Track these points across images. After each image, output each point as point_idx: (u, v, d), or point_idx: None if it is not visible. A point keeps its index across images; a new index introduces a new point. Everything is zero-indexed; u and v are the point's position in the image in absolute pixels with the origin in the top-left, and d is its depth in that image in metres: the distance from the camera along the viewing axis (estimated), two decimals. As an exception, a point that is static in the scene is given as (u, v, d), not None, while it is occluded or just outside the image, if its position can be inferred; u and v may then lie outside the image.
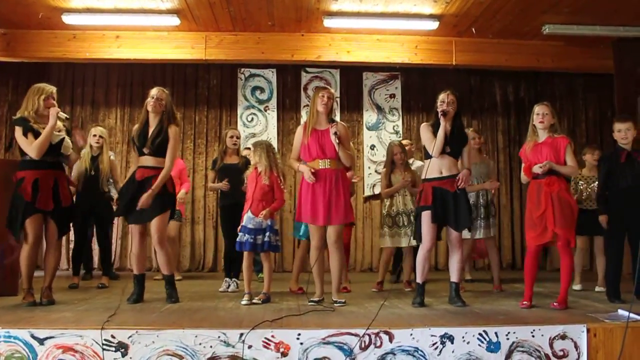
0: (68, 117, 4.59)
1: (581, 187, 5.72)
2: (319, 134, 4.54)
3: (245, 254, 4.74)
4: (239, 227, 4.76)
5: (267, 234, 4.69)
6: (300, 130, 4.68)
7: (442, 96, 4.55)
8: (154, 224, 4.60)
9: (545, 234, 4.32)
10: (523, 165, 4.51)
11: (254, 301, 4.57)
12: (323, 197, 4.46)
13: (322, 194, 4.47)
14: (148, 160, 4.63)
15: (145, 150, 4.62)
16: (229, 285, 5.57)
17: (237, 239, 4.72)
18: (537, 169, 4.33)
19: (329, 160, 4.51)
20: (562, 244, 4.31)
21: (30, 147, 4.35)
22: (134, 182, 4.61)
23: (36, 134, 4.37)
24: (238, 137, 5.89)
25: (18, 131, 4.39)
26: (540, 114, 4.46)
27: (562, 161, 4.36)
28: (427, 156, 4.58)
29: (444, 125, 4.45)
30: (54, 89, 4.57)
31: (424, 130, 4.62)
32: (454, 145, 4.51)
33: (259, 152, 4.83)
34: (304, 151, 4.60)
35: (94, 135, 5.96)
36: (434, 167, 4.49)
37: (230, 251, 5.59)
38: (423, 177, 4.58)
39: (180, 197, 6.26)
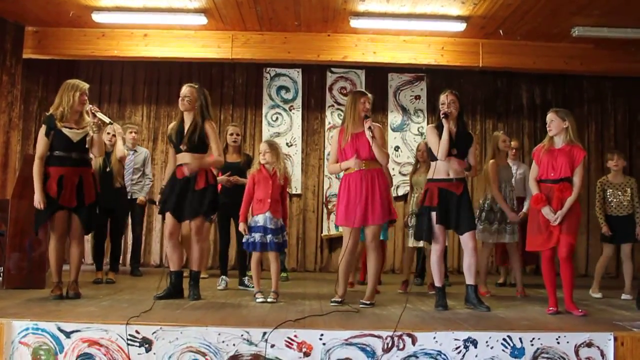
0: (111, 122, 4.67)
1: (608, 195, 5.63)
2: (354, 137, 4.57)
3: (256, 253, 4.78)
4: (239, 227, 4.83)
5: (284, 233, 4.79)
6: (337, 135, 4.70)
7: (442, 97, 4.57)
8: (196, 221, 4.67)
9: (550, 239, 4.33)
10: (535, 192, 4.45)
11: (268, 300, 4.60)
12: (360, 199, 4.48)
13: (358, 195, 4.49)
14: (186, 157, 4.65)
15: (182, 147, 4.66)
16: (226, 283, 5.61)
17: (256, 240, 4.71)
18: (549, 216, 4.31)
19: (363, 161, 4.52)
20: (565, 250, 4.26)
21: (37, 154, 4.44)
22: (177, 181, 4.65)
23: (58, 135, 4.44)
24: (238, 135, 5.85)
25: (42, 129, 4.48)
26: (547, 121, 4.49)
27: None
28: (433, 158, 4.55)
29: (447, 128, 4.44)
30: (87, 86, 4.63)
31: (430, 133, 4.62)
32: (460, 146, 4.49)
33: (277, 153, 4.88)
34: (340, 155, 4.64)
35: (108, 133, 5.96)
36: (441, 169, 4.48)
37: (225, 249, 5.69)
38: (429, 177, 4.57)
39: None
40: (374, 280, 4.63)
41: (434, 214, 4.45)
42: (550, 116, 4.47)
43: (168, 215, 4.68)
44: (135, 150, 6.69)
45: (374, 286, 4.62)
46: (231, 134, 5.81)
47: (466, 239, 4.46)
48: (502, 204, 5.39)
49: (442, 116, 4.46)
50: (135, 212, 6.63)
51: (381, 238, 5.15)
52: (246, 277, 5.61)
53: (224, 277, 5.64)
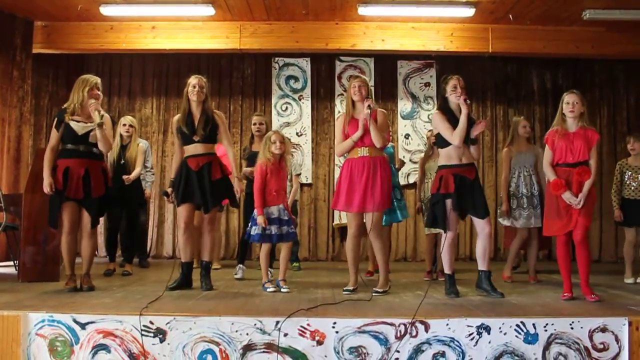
0: (101, 123, 4.47)
1: (626, 177, 5.58)
2: (357, 123, 4.53)
3: (267, 245, 4.80)
4: (258, 220, 4.73)
5: (292, 225, 4.82)
6: (341, 120, 4.68)
7: (454, 82, 4.49)
8: (211, 212, 4.68)
9: (570, 223, 4.27)
10: (553, 177, 4.33)
11: (282, 290, 4.61)
12: (360, 185, 4.46)
13: (359, 181, 4.46)
14: (199, 148, 4.65)
15: (196, 138, 4.64)
16: (243, 271, 5.60)
17: (273, 232, 4.70)
18: (571, 200, 4.23)
19: (367, 147, 4.50)
20: (581, 233, 4.22)
21: (48, 145, 4.55)
22: (191, 172, 4.61)
23: (66, 128, 4.48)
24: (262, 124, 5.82)
25: (54, 122, 4.55)
26: (570, 102, 4.35)
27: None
28: (442, 144, 4.49)
29: (466, 113, 4.37)
30: (98, 80, 4.63)
31: (439, 118, 4.50)
32: (467, 132, 4.43)
33: (287, 145, 4.88)
34: (345, 138, 4.60)
35: (124, 125, 5.97)
36: (454, 155, 4.43)
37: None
38: (442, 163, 4.51)
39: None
40: (385, 267, 4.61)
41: (449, 201, 4.40)
42: (575, 98, 4.34)
43: (185, 206, 4.67)
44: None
45: (386, 274, 4.62)
46: (254, 124, 5.80)
47: (483, 224, 4.41)
48: (504, 194, 5.49)
49: (464, 101, 4.38)
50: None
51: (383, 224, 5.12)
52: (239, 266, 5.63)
53: (241, 265, 5.65)
